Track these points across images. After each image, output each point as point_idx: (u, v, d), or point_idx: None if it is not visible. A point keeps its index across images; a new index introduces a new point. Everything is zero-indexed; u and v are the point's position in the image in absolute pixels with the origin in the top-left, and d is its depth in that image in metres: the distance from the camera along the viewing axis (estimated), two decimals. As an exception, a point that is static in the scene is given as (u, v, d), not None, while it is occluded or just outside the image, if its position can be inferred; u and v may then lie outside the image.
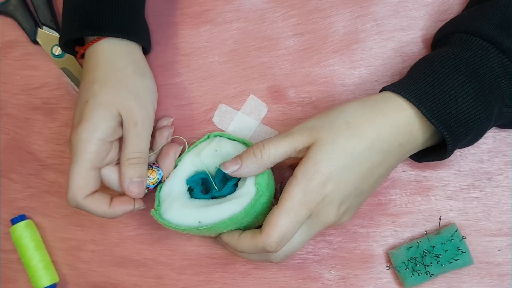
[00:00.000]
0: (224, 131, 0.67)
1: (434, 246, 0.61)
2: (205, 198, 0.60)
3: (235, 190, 0.58)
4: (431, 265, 0.60)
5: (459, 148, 0.56)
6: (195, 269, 0.66)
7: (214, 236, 0.60)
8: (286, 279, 0.65)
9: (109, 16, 0.61)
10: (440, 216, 0.63)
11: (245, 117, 0.67)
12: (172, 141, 0.66)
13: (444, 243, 0.61)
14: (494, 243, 0.62)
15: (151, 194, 0.62)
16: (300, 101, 0.67)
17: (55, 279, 0.68)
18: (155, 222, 0.60)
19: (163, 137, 0.65)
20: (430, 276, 0.61)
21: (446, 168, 0.64)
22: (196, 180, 0.62)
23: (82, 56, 0.64)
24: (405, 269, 0.61)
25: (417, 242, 0.62)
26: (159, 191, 0.61)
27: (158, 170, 0.62)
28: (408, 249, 0.62)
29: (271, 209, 0.54)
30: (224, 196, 0.59)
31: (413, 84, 0.54)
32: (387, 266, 0.63)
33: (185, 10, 0.70)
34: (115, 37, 0.61)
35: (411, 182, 0.64)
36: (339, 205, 0.53)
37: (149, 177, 0.61)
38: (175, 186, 0.61)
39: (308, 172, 0.52)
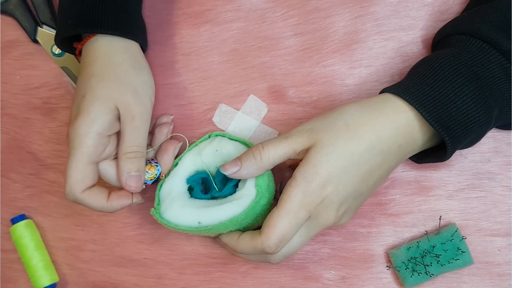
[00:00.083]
0: (224, 131, 0.67)
1: (434, 246, 0.61)
2: (205, 198, 0.60)
3: (235, 191, 0.58)
4: (431, 265, 0.60)
5: (459, 149, 0.56)
6: (195, 269, 0.66)
7: (213, 237, 0.60)
8: (286, 279, 0.65)
9: (104, 13, 0.61)
10: (440, 216, 0.63)
11: (245, 117, 0.67)
12: (172, 138, 0.66)
13: (444, 243, 0.61)
14: (494, 243, 0.62)
15: (151, 193, 0.62)
16: (300, 101, 0.67)
17: (55, 278, 0.68)
18: (155, 222, 0.60)
19: (163, 134, 0.65)
20: (430, 276, 0.61)
21: (446, 168, 0.64)
22: (197, 179, 0.62)
23: (81, 53, 0.64)
24: (405, 269, 0.61)
25: (417, 242, 0.62)
26: (159, 190, 0.61)
27: (157, 166, 0.62)
28: (408, 249, 0.62)
29: (270, 210, 0.54)
30: (224, 196, 0.59)
31: (413, 86, 0.54)
32: (387, 266, 0.63)
33: (185, 10, 0.70)
34: (110, 34, 0.61)
35: (411, 182, 0.64)
36: (338, 206, 0.53)
37: (147, 172, 0.61)
38: (175, 185, 0.61)
39: (308, 174, 0.52)
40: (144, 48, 0.66)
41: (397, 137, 0.53)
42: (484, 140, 0.62)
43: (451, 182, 0.63)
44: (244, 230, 0.58)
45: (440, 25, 0.62)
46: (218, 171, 0.59)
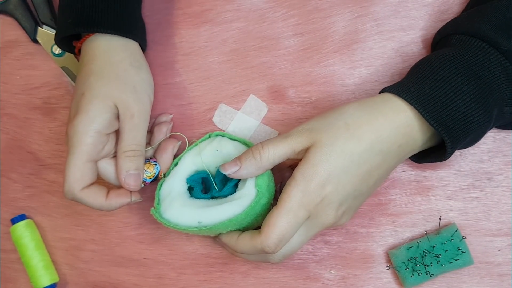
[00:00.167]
0: (224, 130, 0.67)
1: (434, 246, 0.61)
2: (205, 198, 0.60)
3: (235, 191, 0.58)
4: (431, 265, 0.60)
5: (458, 149, 0.56)
6: (195, 269, 0.66)
7: (213, 237, 0.60)
8: (286, 279, 0.65)
9: (104, 13, 0.61)
10: (440, 216, 0.63)
11: (245, 117, 0.67)
12: (171, 137, 0.66)
13: (444, 243, 0.61)
14: (494, 243, 0.62)
15: (151, 193, 0.62)
16: (300, 101, 0.67)
17: (55, 278, 0.68)
18: (155, 221, 0.60)
19: (162, 133, 0.65)
20: (430, 276, 0.61)
21: (446, 168, 0.64)
22: (197, 179, 0.62)
23: (80, 51, 0.64)
24: (405, 269, 0.61)
25: (417, 242, 0.62)
26: (159, 189, 0.61)
27: (156, 164, 0.62)
28: (408, 249, 0.62)
29: (270, 210, 0.54)
30: (224, 196, 0.59)
31: (413, 85, 0.54)
32: (387, 266, 0.63)
33: (185, 10, 0.70)
34: (108, 33, 0.61)
35: (411, 182, 0.64)
36: (338, 206, 0.53)
37: (146, 171, 0.61)
38: (175, 184, 0.61)
39: (307, 173, 0.52)
40: (143, 47, 0.66)
41: (397, 137, 0.53)
42: (484, 140, 0.62)
43: (451, 182, 0.63)
44: (244, 230, 0.58)
45: (440, 25, 0.62)
46: (218, 171, 0.59)
